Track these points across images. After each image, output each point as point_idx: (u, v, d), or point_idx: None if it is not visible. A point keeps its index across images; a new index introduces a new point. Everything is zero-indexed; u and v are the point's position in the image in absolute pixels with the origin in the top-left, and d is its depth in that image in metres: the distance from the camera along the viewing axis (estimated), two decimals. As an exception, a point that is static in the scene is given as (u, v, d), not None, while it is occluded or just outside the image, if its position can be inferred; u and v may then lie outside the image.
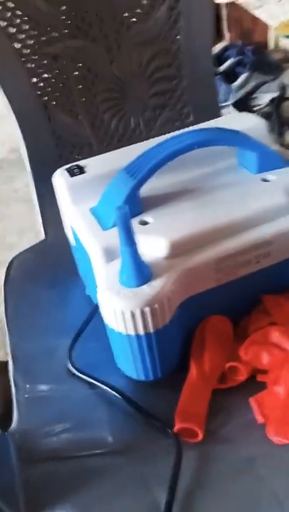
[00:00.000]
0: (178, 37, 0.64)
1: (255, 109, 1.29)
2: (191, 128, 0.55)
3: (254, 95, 1.34)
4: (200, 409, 0.45)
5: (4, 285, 0.63)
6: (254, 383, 0.47)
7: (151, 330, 0.43)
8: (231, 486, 0.42)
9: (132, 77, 0.65)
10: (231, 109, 1.30)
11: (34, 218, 0.72)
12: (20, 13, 0.57)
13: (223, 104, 1.36)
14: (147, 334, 0.43)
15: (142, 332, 0.43)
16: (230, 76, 1.44)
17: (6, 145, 1.76)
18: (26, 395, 0.49)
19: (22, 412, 0.48)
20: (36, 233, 0.72)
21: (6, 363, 0.55)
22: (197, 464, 0.43)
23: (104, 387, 0.48)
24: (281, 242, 0.47)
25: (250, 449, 0.44)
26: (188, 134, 0.48)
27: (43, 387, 0.51)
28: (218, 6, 1.59)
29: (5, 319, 0.59)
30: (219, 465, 0.43)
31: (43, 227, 0.68)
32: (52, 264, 0.66)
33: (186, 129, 0.54)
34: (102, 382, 0.49)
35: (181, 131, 0.53)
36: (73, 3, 0.59)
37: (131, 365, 0.47)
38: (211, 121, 0.58)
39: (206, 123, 0.57)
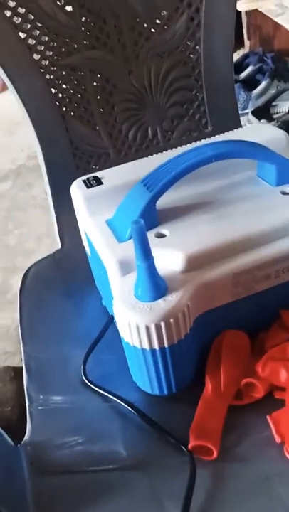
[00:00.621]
0: (197, 47, 0.64)
1: (274, 116, 1.28)
2: (209, 140, 0.55)
3: (274, 103, 1.33)
4: (215, 426, 0.44)
5: (20, 294, 0.63)
6: (271, 400, 0.46)
7: (166, 345, 0.43)
8: (247, 505, 0.41)
9: (150, 87, 0.65)
10: (250, 116, 1.29)
11: (52, 225, 0.72)
12: (40, 25, 0.58)
13: (242, 112, 1.35)
14: (162, 349, 0.43)
15: (156, 347, 0.43)
16: (249, 84, 1.43)
17: (25, 152, 1.78)
18: (40, 407, 0.49)
19: (35, 423, 0.48)
20: (54, 240, 0.72)
21: (21, 369, 0.55)
22: (211, 481, 0.42)
23: (118, 401, 0.48)
24: (300, 256, 0.46)
25: (266, 468, 0.43)
26: (206, 147, 0.47)
27: (57, 398, 0.50)
28: (238, 13, 1.59)
29: (20, 329, 0.59)
30: (234, 483, 0.42)
31: (59, 236, 0.68)
32: (68, 273, 0.66)
33: (204, 141, 0.54)
34: (116, 396, 0.48)
35: (199, 143, 0.53)
36: (92, 14, 0.60)
37: (145, 379, 0.46)
38: (230, 132, 0.57)
39: (225, 134, 0.57)
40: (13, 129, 1.86)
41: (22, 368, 0.55)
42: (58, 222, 0.69)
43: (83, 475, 0.44)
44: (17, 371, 1.11)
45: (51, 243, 0.73)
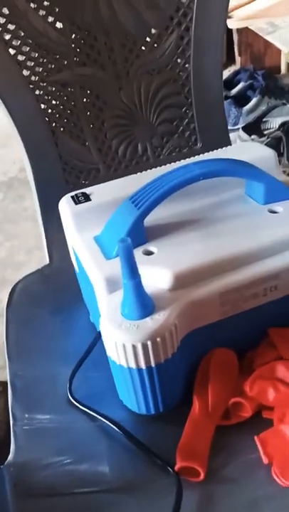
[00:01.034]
0: (187, 65, 0.65)
1: (265, 132, 1.29)
2: (198, 157, 0.55)
3: (265, 119, 1.34)
4: (202, 447, 0.44)
5: (7, 310, 0.62)
6: (259, 420, 0.46)
7: (153, 364, 0.42)
8: (234, 529, 0.40)
9: (140, 104, 0.65)
10: (241, 132, 1.30)
11: (43, 237, 0.71)
12: (30, 42, 0.58)
13: (233, 128, 1.37)
14: (149, 368, 0.42)
15: (143, 366, 0.42)
16: (240, 100, 1.45)
17: (17, 164, 1.78)
18: (24, 426, 0.48)
19: (19, 443, 0.47)
20: (45, 253, 0.72)
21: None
22: (198, 504, 0.42)
23: (105, 421, 0.47)
24: None
25: (254, 490, 0.42)
26: (194, 165, 0.47)
27: (42, 417, 0.49)
28: (229, 30, 1.61)
29: (5, 346, 0.58)
30: (221, 506, 0.42)
31: (48, 251, 0.68)
32: (56, 289, 0.65)
33: (193, 159, 0.54)
34: (103, 416, 0.47)
35: (188, 160, 0.53)
36: (83, 31, 0.60)
37: (132, 399, 0.46)
38: (219, 150, 0.57)
39: (214, 152, 0.57)
40: (5, 142, 1.86)
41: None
42: (46, 237, 0.68)
43: (69, 497, 0.43)
44: (5, 386, 1.09)
45: (42, 256, 0.72)
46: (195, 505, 0.41)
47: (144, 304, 0.42)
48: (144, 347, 0.41)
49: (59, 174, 0.65)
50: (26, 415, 0.50)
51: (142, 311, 0.42)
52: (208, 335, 0.46)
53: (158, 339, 0.41)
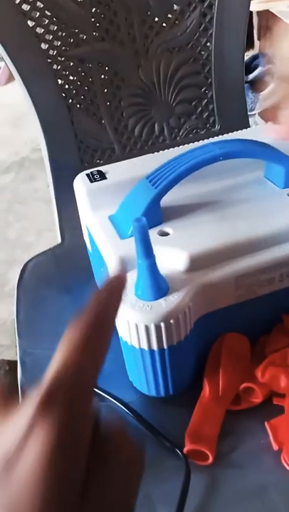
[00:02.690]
0: (208, 44, 0.63)
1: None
2: (216, 138, 0.53)
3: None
4: (212, 431, 0.43)
5: (17, 288, 0.62)
6: (270, 406, 0.45)
7: (165, 346, 0.42)
8: (240, 513, 0.40)
9: (158, 83, 0.64)
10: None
11: (53, 219, 0.71)
12: (49, 14, 0.57)
13: (250, 113, 1.34)
14: (161, 350, 0.42)
15: (155, 347, 0.42)
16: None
17: (29, 145, 1.77)
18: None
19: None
20: (54, 234, 0.71)
21: (17, 362, 0.54)
22: (206, 487, 0.41)
23: (114, 401, 0.47)
24: (306, 261, 0.45)
25: (262, 476, 0.42)
26: (214, 145, 0.46)
27: (51, 396, 0.49)
28: (249, 13, 1.58)
29: (16, 323, 0.58)
30: (229, 490, 0.41)
31: (60, 230, 0.67)
32: (67, 268, 0.65)
33: (212, 139, 0.53)
34: (112, 396, 0.47)
35: (207, 141, 0.52)
36: (103, 5, 0.59)
37: (142, 380, 0.45)
38: (238, 132, 0.56)
39: (234, 133, 0.56)
40: (17, 123, 1.85)
41: (17, 362, 0.54)
42: (59, 216, 0.68)
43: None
44: (12, 365, 1.10)
45: (52, 237, 0.72)
46: (203, 488, 0.41)
47: (158, 285, 0.41)
48: (157, 328, 0.40)
49: (74, 152, 0.64)
50: (35, 393, 0.49)
51: (155, 292, 0.41)
52: (221, 319, 0.45)
53: (171, 321, 0.40)
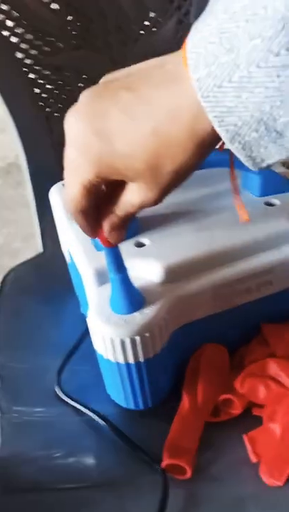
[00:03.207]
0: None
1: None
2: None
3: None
4: (190, 444, 0.43)
5: (-2, 299, 0.61)
6: (249, 417, 0.45)
7: (141, 359, 0.41)
8: (220, 528, 0.39)
9: (137, 90, 0.63)
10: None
11: (37, 226, 0.70)
12: (24, 23, 0.56)
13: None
14: (137, 363, 0.41)
15: (131, 361, 0.41)
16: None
17: (15, 150, 1.76)
18: (11, 419, 0.48)
19: (5, 437, 0.46)
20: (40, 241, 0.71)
21: None
22: (184, 502, 0.41)
23: (93, 415, 0.46)
24: (283, 270, 0.45)
25: (241, 489, 0.41)
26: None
27: (30, 410, 0.49)
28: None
29: (-5, 336, 0.57)
30: (207, 504, 0.41)
31: (42, 240, 0.67)
32: (48, 278, 0.64)
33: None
34: (91, 410, 0.46)
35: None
36: (79, 13, 0.58)
37: (120, 394, 0.45)
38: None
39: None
40: (3, 127, 1.84)
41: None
42: (40, 226, 0.67)
43: (54, 492, 0.42)
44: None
45: (39, 243, 0.71)
46: (181, 502, 0.41)
47: (133, 298, 0.40)
48: (133, 342, 0.40)
49: (53, 161, 0.63)
50: (13, 408, 0.49)
51: (130, 306, 0.40)
52: (199, 330, 0.45)
53: (147, 334, 0.40)
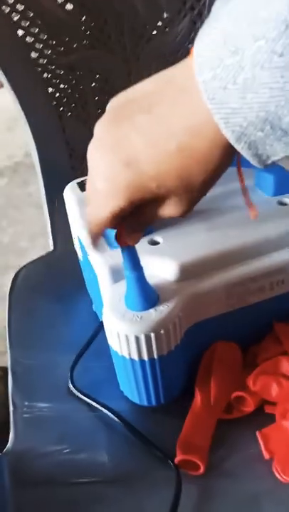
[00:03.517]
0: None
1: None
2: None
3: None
4: (203, 441, 0.43)
5: (9, 296, 0.62)
6: (261, 415, 0.45)
7: (155, 356, 0.41)
8: (233, 523, 0.40)
9: (149, 90, 0.64)
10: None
11: (46, 224, 0.71)
12: (39, 23, 0.57)
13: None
14: (151, 360, 0.42)
15: (146, 357, 0.42)
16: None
17: (23, 149, 1.76)
18: (24, 414, 0.48)
19: (18, 432, 0.47)
20: (48, 239, 0.71)
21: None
22: (197, 498, 0.41)
23: (105, 411, 0.47)
24: (296, 269, 0.45)
25: (254, 485, 0.42)
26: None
27: (42, 405, 0.49)
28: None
29: (7, 332, 0.58)
30: (221, 500, 0.41)
31: (52, 238, 0.67)
32: (59, 276, 0.65)
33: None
34: (103, 406, 0.47)
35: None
36: (93, 13, 0.59)
37: (133, 390, 0.45)
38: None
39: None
40: (11, 125, 1.85)
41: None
42: (51, 224, 0.68)
43: (67, 487, 0.43)
44: (6, 371, 1.09)
45: (45, 242, 0.72)
46: (194, 498, 0.41)
47: (148, 296, 0.41)
48: (147, 339, 0.40)
49: (65, 160, 0.64)
50: (26, 403, 0.49)
51: (145, 303, 0.41)
52: (212, 328, 0.45)
53: (161, 331, 0.40)
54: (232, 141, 0.25)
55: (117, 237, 0.35)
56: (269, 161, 0.26)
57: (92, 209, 0.31)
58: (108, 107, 0.30)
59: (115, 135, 0.28)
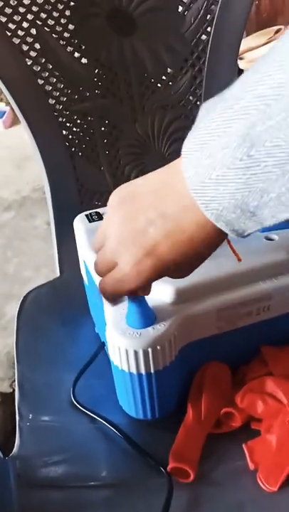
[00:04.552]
0: (198, 103, 0.71)
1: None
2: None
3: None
4: (194, 452, 0.47)
5: (17, 318, 0.66)
6: (248, 430, 0.49)
7: (152, 370, 0.46)
8: (219, 531, 0.43)
9: (153, 135, 0.71)
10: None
11: (50, 255, 0.76)
12: (57, 74, 0.64)
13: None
14: (148, 374, 0.46)
15: (143, 371, 0.46)
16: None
17: (30, 184, 1.85)
18: (29, 424, 0.52)
19: (24, 439, 0.51)
20: (51, 269, 0.76)
21: (8, 395, 0.57)
22: (187, 504, 0.45)
23: (104, 423, 0.50)
24: (281, 297, 0.50)
25: (240, 494, 0.45)
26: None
27: (46, 417, 0.53)
28: (241, 71, 1.69)
29: (15, 350, 0.62)
30: (208, 506, 0.45)
31: (59, 265, 0.73)
32: (64, 301, 0.70)
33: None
34: (103, 418, 0.51)
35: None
36: (105, 67, 0.66)
37: (131, 404, 0.49)
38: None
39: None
40: (20, 164, 1.93)
41: (9, 393, 0.57)
42: (59, 251, 0.73)
43: (67, 490, 0.46)
44: (4, 397, 1.12)
45: (48, 273, 0.77)
46: (184, 504, 0.45)
47: (147, 316, 0.46)
48: (145, 354, 0.45)
49: (75, 194, 0.70)
50: (31, 415, 0.53)
51: (144, 321, 0.46)
52: (204, 348, 0.50)
53: (158, 347, 0.45)
54: (213, 221, 0.32)
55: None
56: (245, 234, 0.33)
57: (113, 281, 0.39)
58: (115, 196, 0.38)
59: (134, 229, 0.36)
